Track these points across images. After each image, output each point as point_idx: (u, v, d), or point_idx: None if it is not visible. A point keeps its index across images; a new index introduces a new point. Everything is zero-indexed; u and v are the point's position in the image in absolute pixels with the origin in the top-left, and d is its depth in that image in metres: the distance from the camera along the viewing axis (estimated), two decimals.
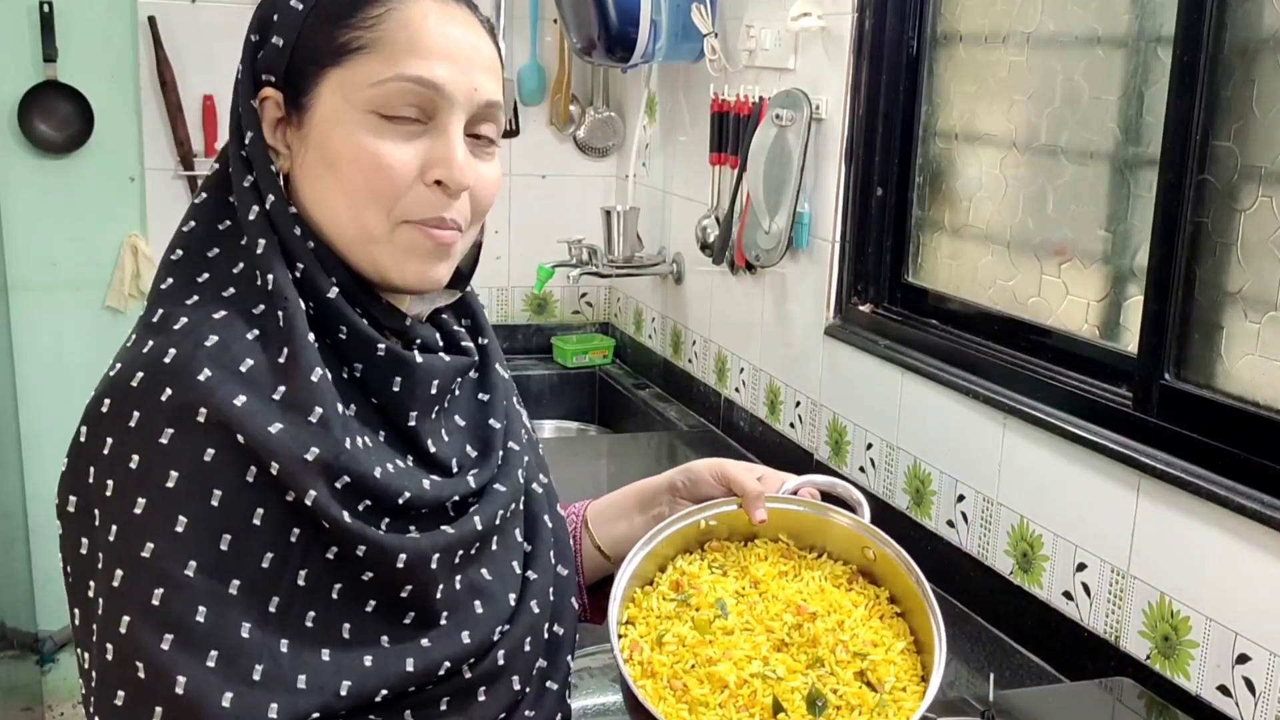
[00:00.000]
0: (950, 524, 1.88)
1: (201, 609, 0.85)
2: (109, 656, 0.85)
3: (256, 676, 0.86)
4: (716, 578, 1.14)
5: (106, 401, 0.89)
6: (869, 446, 2.09)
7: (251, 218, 0.95)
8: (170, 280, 0.96)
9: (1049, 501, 1.67)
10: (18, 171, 2.84)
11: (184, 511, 0.85)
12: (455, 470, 1.01)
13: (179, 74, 2.87)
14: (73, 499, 0.90)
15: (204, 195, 0.99)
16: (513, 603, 1.04)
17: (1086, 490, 1.60)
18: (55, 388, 2.95)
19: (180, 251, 0.97)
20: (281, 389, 0.89)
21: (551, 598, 1.09)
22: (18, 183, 2.84)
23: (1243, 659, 1.38)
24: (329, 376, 0.92)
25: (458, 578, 0.99)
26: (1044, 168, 1.79)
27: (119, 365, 0.91)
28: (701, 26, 2.50)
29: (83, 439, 0.90)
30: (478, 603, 1.00)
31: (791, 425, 2.35)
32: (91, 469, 0.88)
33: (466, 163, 0.96)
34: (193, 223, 0.98)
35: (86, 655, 0.89)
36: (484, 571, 1.02)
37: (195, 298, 0.93)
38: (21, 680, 2.97)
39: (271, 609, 0.88)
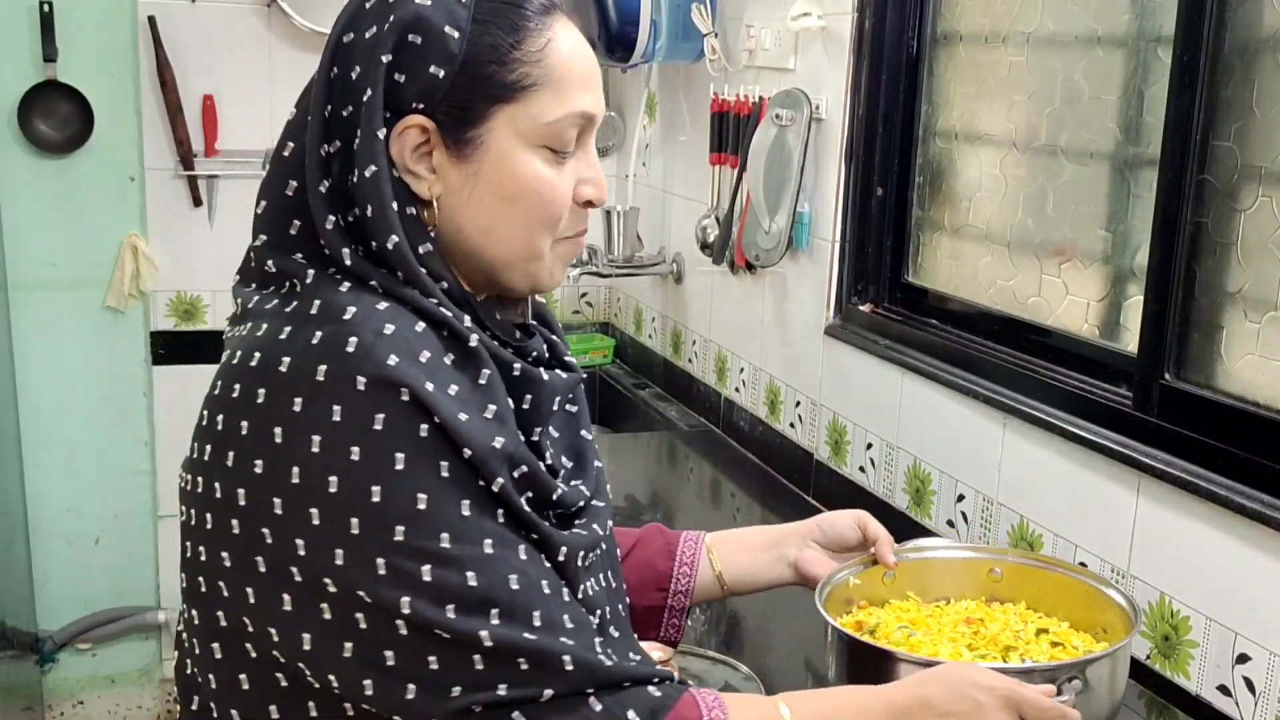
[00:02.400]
0: (950, 524, 1.88)
1: (470, 574, 0.89)
2: (403, 632, 0.88)
3: (537, 622, 0.91)
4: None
5: (298, 401, 0.88)
6: (869, 446, 2.09)
7: (350, 263, 0.94)
8: (313, 272, 0.95)
9: (1049, 501, 1.67)
10: (18, 171, 2.84)
11: (421, 488, 0.88)
12: (562, 480, 1.04)
13: (179, 74, 2.86)
14: (276, 500, 0.89)
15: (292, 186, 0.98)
16: (609, 615, 1.07)
17: (1086, 490, 1.60)
18: (55, 388, 2.95)
19: (301, 255, 0.97)
20: (455, 387, 0.91)
21: (624, 614, 1.14)
22: (18, 183, 2.84)
23: (1243, 659, 1.38)
24: (498, 377, 0.95)
25: (589, 583, 1.03)
26: (1044, 168, 1.79)
27: (288, 359, 0.90)
28: (701, 26, 2.50)
29: (278, 439, 0.88)
30: (598, 611, 1.04)
31: (791, 425, 2.35)
32: (296, 469, 0.88)
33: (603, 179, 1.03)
34: (297, 223, 0.98)
35: (294, 638, 0.91)
36: (594, 582, 1.05)
37: (350, 292, 0.93)
38: (21, 680, 2.97)
39: (523, 555, 0.93)
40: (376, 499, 0.87)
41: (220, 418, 0.92)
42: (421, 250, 0.95)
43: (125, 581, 3.10)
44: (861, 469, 2.11)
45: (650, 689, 0.95)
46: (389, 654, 0.89)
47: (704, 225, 2.62)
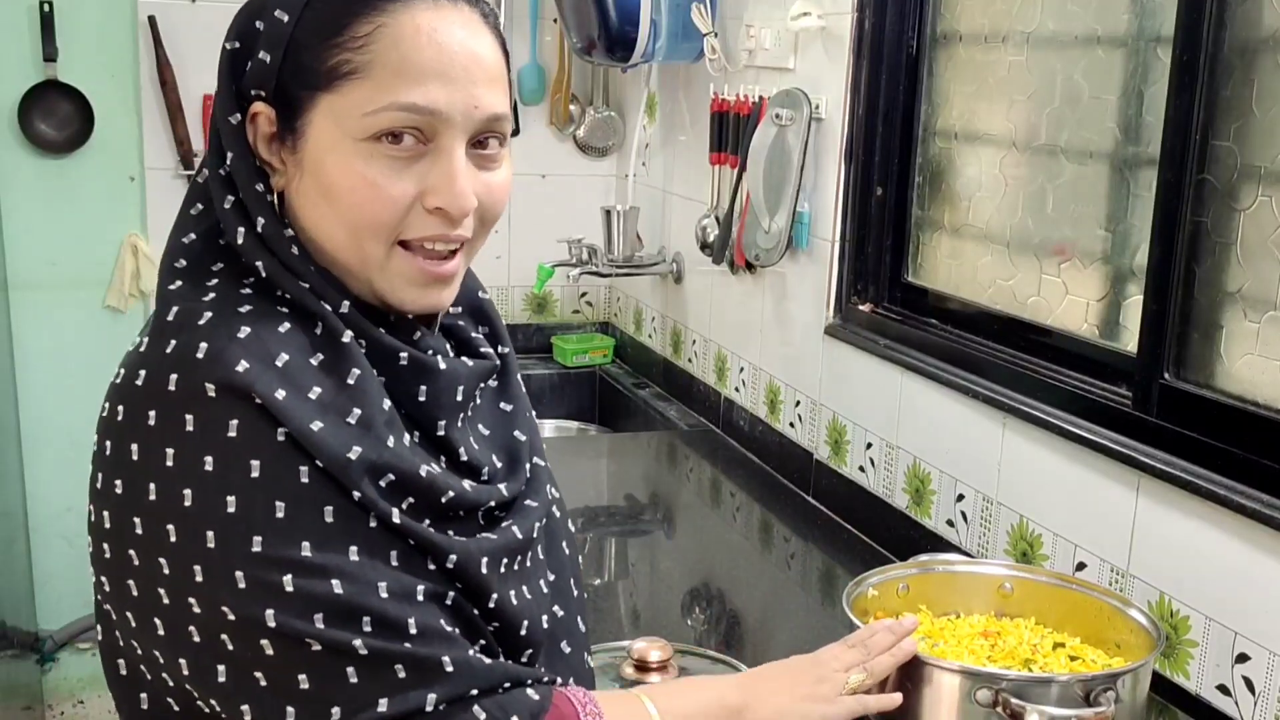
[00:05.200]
0: (950, 523, 1.88)
1: (335, 582, 0.84)
2: (269, 652, 0.84)
3: (414, 630, 0.87)
4: None
5: (152, 415, 0.85)
6: (869, 446, 2.09)
7: (240, 241, 0.92)
8: (180, 283, 0.92)
9: (1049, 501, 1.67)
10: (18, 171, 2.84)
11: (278, 495, 0.84)
12: (486, 478, 0.99)
13: (179, 74, 2.86)
14: (136, 520, 0.86)
15: (199, 207, 0.95)
16: (545, 624, 1.02)
17: (1086, 490, 1.60)
18: (55, 388, 2.95)
19: (184, 261, 0.94)
20: (317, 390, 0.87)
21: (581, 627, 1.10)
22: (18, 183, 2.84)
23: (1242, 658, 1.38)
24: (371, 375, 0.90)
25: (512, 592, 0.97)
26: (1044, 167, 1.79)
27: (144, 371, 0.87)
28: (701, 26, 2.50)
29: (134, 456, 0.85)
30: (524, 623, 0.98)
31: (791, 425, 2.35)
32: (153, 485, 0.85)
33: (467, 183, 0.92)
34: (192, 235, 0.94)
35: (178, 665, 0.87)
36: (524, 589, 1.00)
37: (212, 295, 0.90)
38: (21, 680, 2.97)
39: (394, 562, 0.88)
40: (231, 509, 0.82)
41: (96, 440, 0.90)
42: (288, 235, 0.92)
43: None
44: (861, 469, 2.11)
45: (529, 691, 0.93)
46: (259, 675, 0.84)
47: (704, 225, 2.62)
